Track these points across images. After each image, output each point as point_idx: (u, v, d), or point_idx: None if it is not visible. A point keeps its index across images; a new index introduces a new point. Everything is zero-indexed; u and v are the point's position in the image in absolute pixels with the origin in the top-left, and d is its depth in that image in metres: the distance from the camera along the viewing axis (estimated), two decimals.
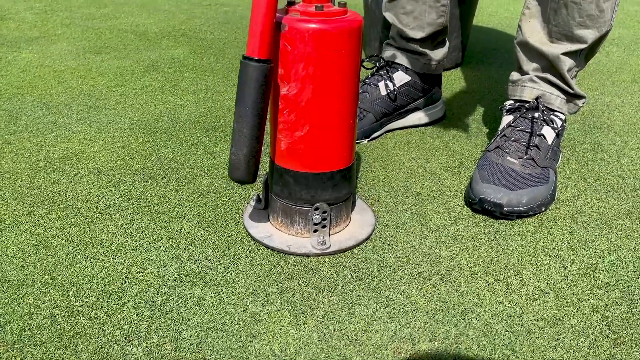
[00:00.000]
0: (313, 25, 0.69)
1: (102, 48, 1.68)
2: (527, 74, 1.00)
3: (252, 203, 0.88)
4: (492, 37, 1.96)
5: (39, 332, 0.65)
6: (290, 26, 0.69)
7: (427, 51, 1.15)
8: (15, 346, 0.63)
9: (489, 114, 1.30)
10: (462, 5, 1.49)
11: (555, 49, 0.96)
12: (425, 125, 1.22)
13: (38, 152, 1.06)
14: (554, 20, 0.96)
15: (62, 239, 0.81)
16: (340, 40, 0.70)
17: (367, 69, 1.23)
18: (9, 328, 0.65)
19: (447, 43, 1.20)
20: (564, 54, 0.96)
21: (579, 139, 1.18)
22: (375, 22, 1.56)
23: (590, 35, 0.94)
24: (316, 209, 0.79)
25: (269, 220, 0.85)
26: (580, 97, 1.02)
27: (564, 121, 1.02)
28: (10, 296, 0.70)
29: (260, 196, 0.87)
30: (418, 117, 1.21)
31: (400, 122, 1.20)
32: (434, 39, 1.15)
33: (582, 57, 0.99)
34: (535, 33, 0.98)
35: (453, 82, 1.52)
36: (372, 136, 1.16)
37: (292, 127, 0.74)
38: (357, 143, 1.14)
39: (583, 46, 0.95)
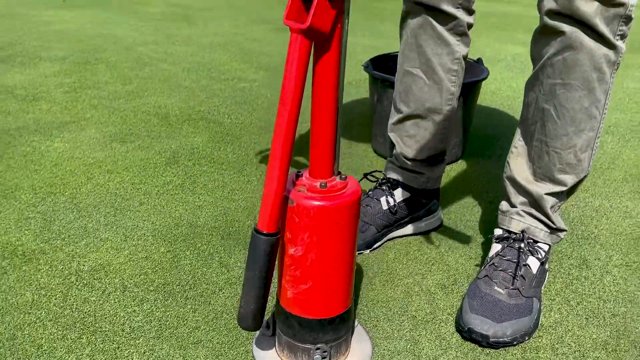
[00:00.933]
0: (317, 203, 0.79)
1: (127, 135, 1.81)
2: (515, 206, 1.10)
3: (262, 329, 0.98)
4: (494, 120, 2.07)
5: None
6: (298, 202, 0.80)
7: (426, 171, 1.26)
8: None
9: (485, 220, 1.40)
10: (463, 104, 1.60)
11: (540, 189, 1.06)
12: (424, 233, 1.32)
13: (70, 264, 1.17)
14: (538, 163, 1.06)
15: None
16: (340, 214, 0.81)
17: (372, 181, 1.33)
18: None
19: (445, 161, 1.30)
20: (547, 194, 1.05)
21: (566, 252, 1.27)
22: (380, 119, 1.67)
23: (570, 180, 1.04)
24: (317, 348, 0.89)
25: (275, 347, 0.95)
26: (562, 230, 1.11)
27: (549, 250, 1.11)
28: None
29: (269, 322, 0.97)
30: (417, 226, 1.31)
31: (400, 232, 1.30)
32: (433, 161, 1.26)
33: (564, 194, 1.09)
34: (522, 171, 1.08)
35: (452, 178, 1.62)
36: (374, 246, 1.26)
37: (298, 281, 0.85)
38: (360, 253, 1.24)
39: (564, 188, 1.05)
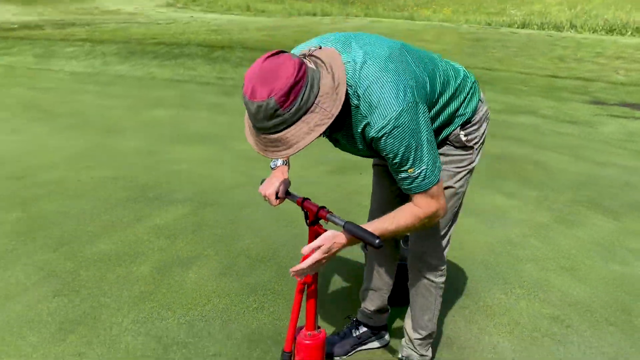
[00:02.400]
0: (306, 342, 2.06)
1: (229, 271, 3.16)
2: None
3: None
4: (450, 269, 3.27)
5: None
6: (299, 340, 2.08)
7: (375, 316, 2.50)
8: None
9: None
10: None
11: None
12: (377, 348, 2.56)
13: None
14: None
15: None
16: (315, 346, 2.08)
17: (348, 317, 2.60)
18: None
19: (389, 310, 2.55)
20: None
21: None
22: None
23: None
24: None
25: None
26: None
27: None
28: None
29: None
30: (373, 344, 2.55)
31: (363, 347, 2.54)
32: (380, 311, 2.51)
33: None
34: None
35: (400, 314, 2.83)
36: (348, 354, 2.51)
37: None
38: (341, 356, 2.49)
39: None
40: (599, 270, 3.35)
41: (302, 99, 1.53)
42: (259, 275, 3.14)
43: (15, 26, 15.31)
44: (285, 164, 2.14)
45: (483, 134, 2.05)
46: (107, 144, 5.38)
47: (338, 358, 2.48)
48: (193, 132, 5.89)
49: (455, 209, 2.12)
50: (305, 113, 1.55)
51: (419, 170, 1.71)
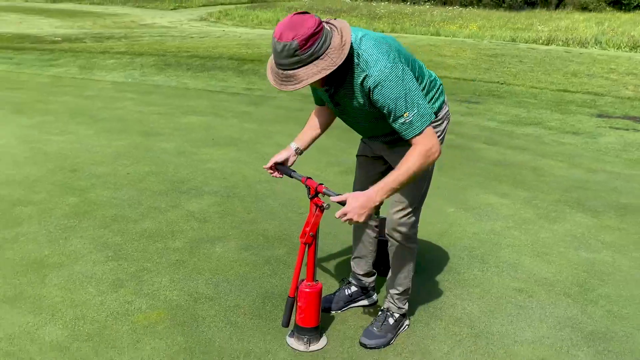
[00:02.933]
0: (306, 290, 2.65)
1: (250, 247, 3.78)
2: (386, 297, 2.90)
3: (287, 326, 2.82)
4: (426, 242, 3.82)
5: None
6: (301, 289, 2.67)
7: (364, 279, 3.08)
8: None
9: None
10: None
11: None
12: (366, 306, 3.13)
13: None
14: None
15: None
16: (314, 293, 2.66)
17: (342, 280, 3.18)
18: None
19: (375, 275, 3.12)
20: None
21: None
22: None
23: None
24: (307, 338, 2.72)
25: (294, 336, 2.79)
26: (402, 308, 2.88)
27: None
28: None
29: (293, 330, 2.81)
30: (362, 302, 3.12)
31: (354, 304, 3.11)
32: (367, 275, 3.08)
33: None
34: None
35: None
36: (342, 309, 3.08)
37: (301, 313, 2.71)
38: (335, 311, 3.06)
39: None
40: (568, 256, 3.86)
41: (316, 46, 2.06)
42: (273, 251, 3.75)
43: (59, 39, 16.38)
44: (297, 148, 2.76)
45: (444, 130, 2.62)
46: (145, 145, 6.07)
47: (334, 312, 3.06)
48: (223, 136, 6.55)
49: (423, 190, 2.69)
50: (316, 59, 2.08)
51: (413, 114, 2.20)
